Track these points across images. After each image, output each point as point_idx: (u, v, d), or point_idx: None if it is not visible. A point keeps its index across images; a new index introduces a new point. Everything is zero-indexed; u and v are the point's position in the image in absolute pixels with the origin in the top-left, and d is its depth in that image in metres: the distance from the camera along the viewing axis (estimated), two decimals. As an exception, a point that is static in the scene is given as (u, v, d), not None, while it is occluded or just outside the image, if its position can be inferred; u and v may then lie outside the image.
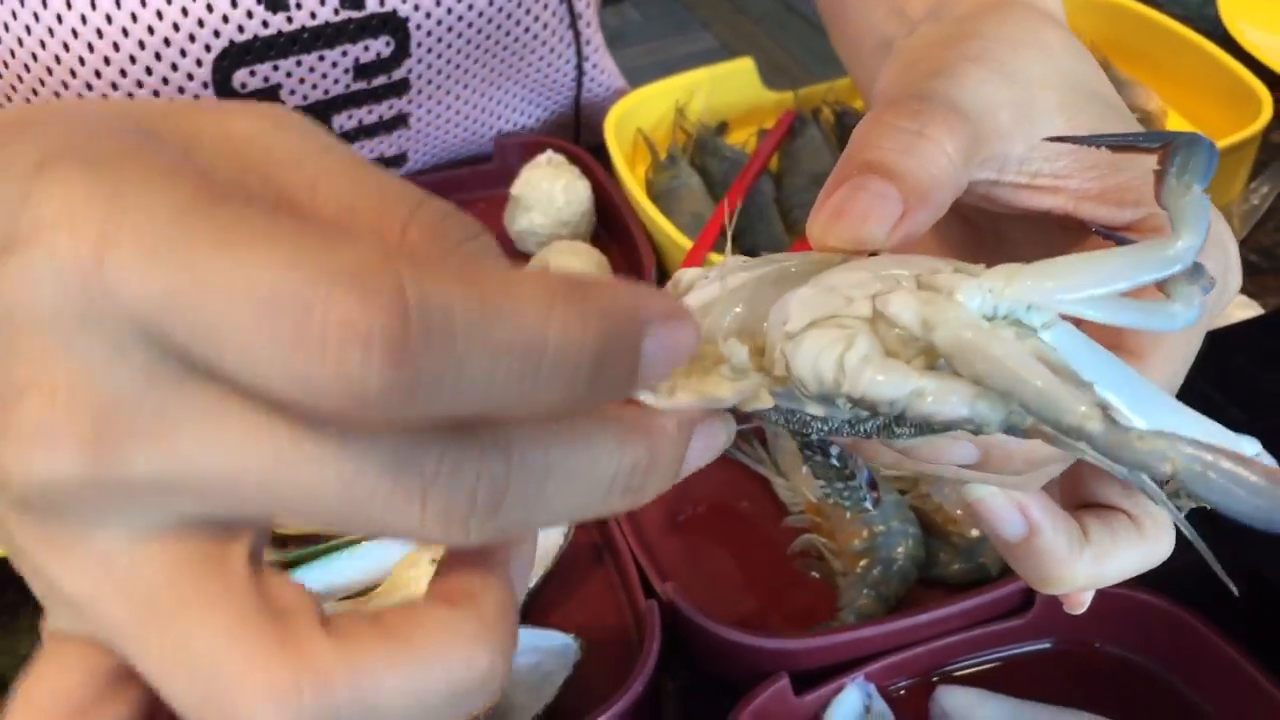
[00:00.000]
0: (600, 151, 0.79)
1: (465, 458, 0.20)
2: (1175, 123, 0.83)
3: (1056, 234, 0.35)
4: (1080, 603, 0.34)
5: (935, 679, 0.54)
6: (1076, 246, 0.35)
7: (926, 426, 0.24)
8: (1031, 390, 0.22)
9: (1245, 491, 0.23)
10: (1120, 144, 0.30)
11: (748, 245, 0.76)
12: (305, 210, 0.21)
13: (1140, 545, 0.33)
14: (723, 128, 0.85)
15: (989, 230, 0.39)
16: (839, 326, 0.23)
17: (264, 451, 0.20)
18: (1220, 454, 0.23)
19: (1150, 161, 0.30)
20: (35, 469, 0.20)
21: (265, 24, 0.64)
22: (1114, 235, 0.33)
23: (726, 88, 0.85)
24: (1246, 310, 0.65)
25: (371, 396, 0.18)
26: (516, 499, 0.21)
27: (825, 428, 0.26)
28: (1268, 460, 0.28)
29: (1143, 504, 0.33)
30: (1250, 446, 0.28)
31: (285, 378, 0.18)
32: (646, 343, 0.20)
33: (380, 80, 0.70)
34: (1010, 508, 0.31)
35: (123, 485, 0.20)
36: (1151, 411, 0.26)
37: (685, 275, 0.31)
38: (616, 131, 0.78)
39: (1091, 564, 0.32)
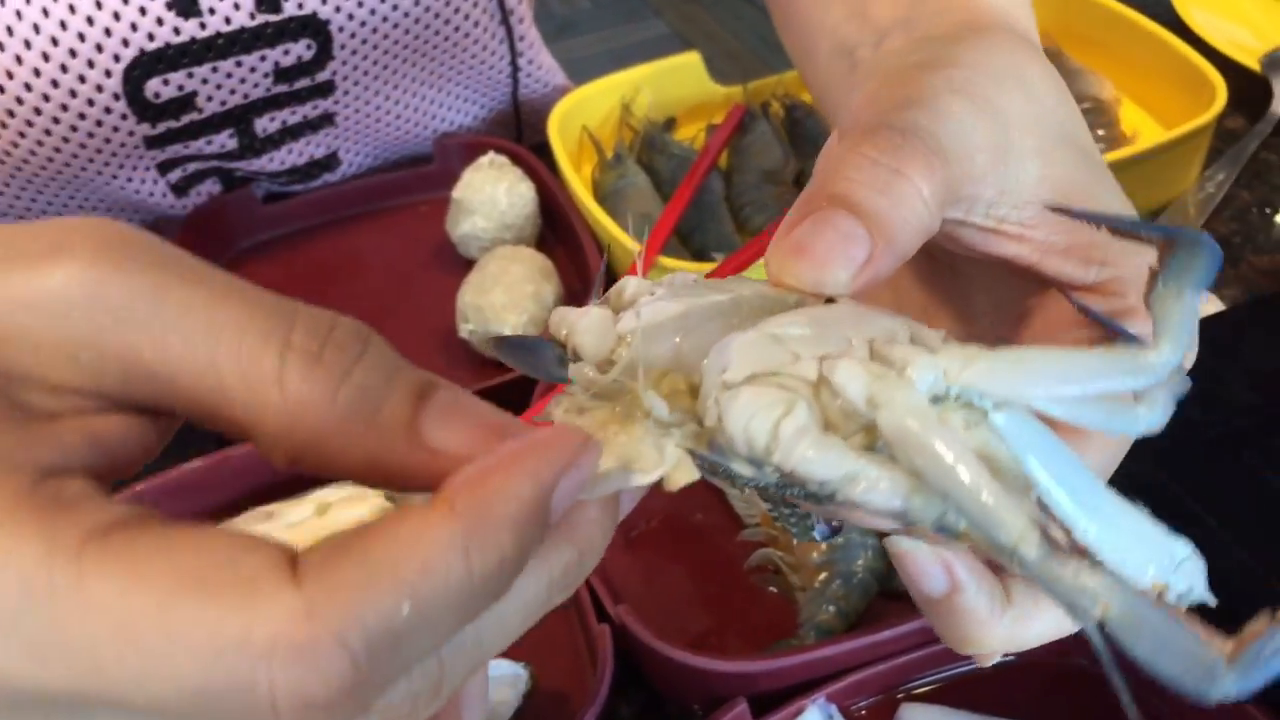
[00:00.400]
0: (544, 151, 0.77)
1: (398, 692, 0.21)
2: (1129, 111, 0.82)
3: (1016, 281, 0.34)
4: (990, 660, 0.33)
5: (899, 695, 0.52)
6: (1034, 297, 0.33)
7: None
8: (970, 499, 0.21)
9: (1174, 655, 0.22)
10: (1121, 228, 0.28)
11: (698, 245, 0.74)
12: (168, 397, 0.21)
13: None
14: (670, 124, 0.83)
15: (945, 264, 0.37)
16: (780, 387, 0.21)
17: None
18: (1157, 610, 0.21)
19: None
20: None
21: (177, 31, 0.61)
22: (1091, 313, 0.31)
23: (673, 82, 0.83)
24: (1206, 306, 0.63)
25: None
26: (454, 674, 0.21)
27: (751, 485, 0.24)
28: (1197, 562, 0.26)
29: None
30: (1182, 549, 0.27)
31: None
32: (555, 499, 0.20)
33: (303, 83, 0.67)
34: (934, 563, 0.29)
35: None
36: (1096, 509, 0.24)
37: (630, 285, 0.29)
38: (561, 130, 0.76)
39: (1011, 626, 0.30)
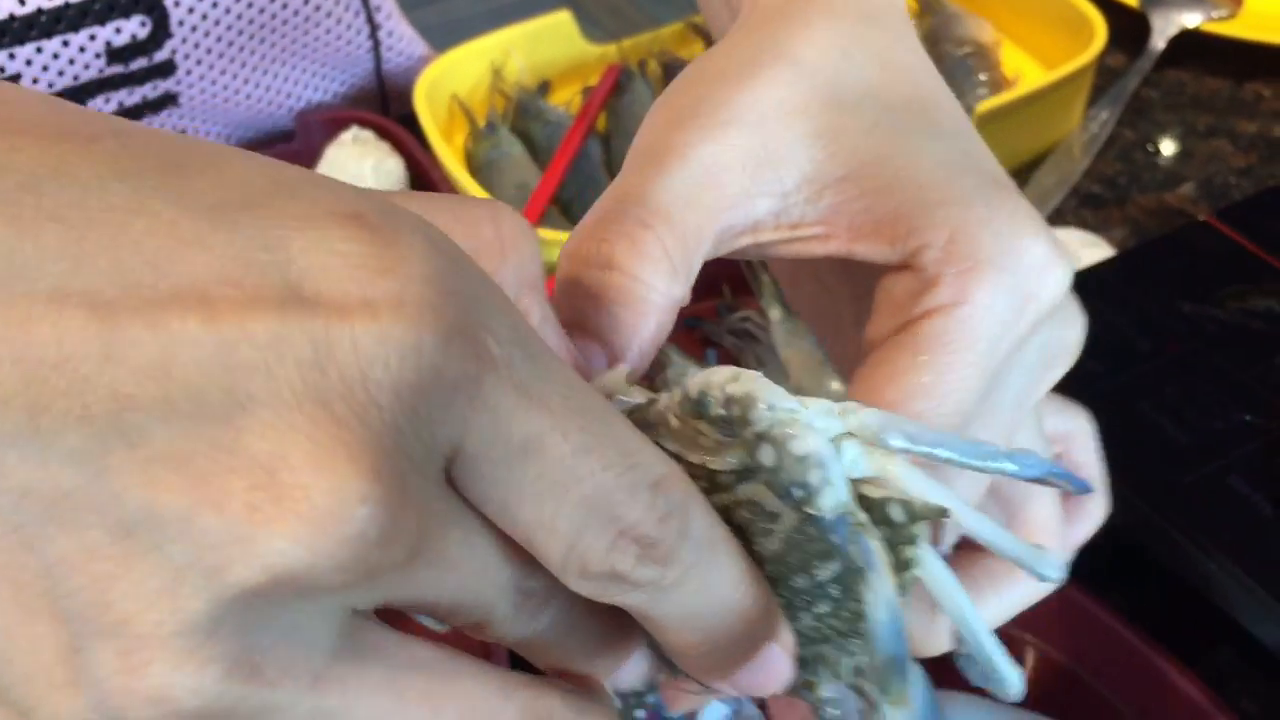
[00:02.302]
0: (412, 123, 0.73)
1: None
2: (1010, 53, 0.81)
3: (853, 272, 0.32)
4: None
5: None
6: (875, 279, 0.31)
7: None
8: None
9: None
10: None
11: (577, 214, 0.71)
12: None
13: (1005, 591, 0.32)
14: (544, 88, 0.80)
15: (809, 276, 0.36)
16: None
17: (495, 588, 0.21)
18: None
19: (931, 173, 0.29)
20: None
21: None
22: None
23: (545, 43, 0.79)
24: (1094, 250, 0.62)
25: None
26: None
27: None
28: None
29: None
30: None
31: (563, 552, 0.21)
32: None
33: (140, 63, 0.63)
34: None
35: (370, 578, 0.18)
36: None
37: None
38: (428, 100, 0.72)
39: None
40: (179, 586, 0.17)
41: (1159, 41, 0.80)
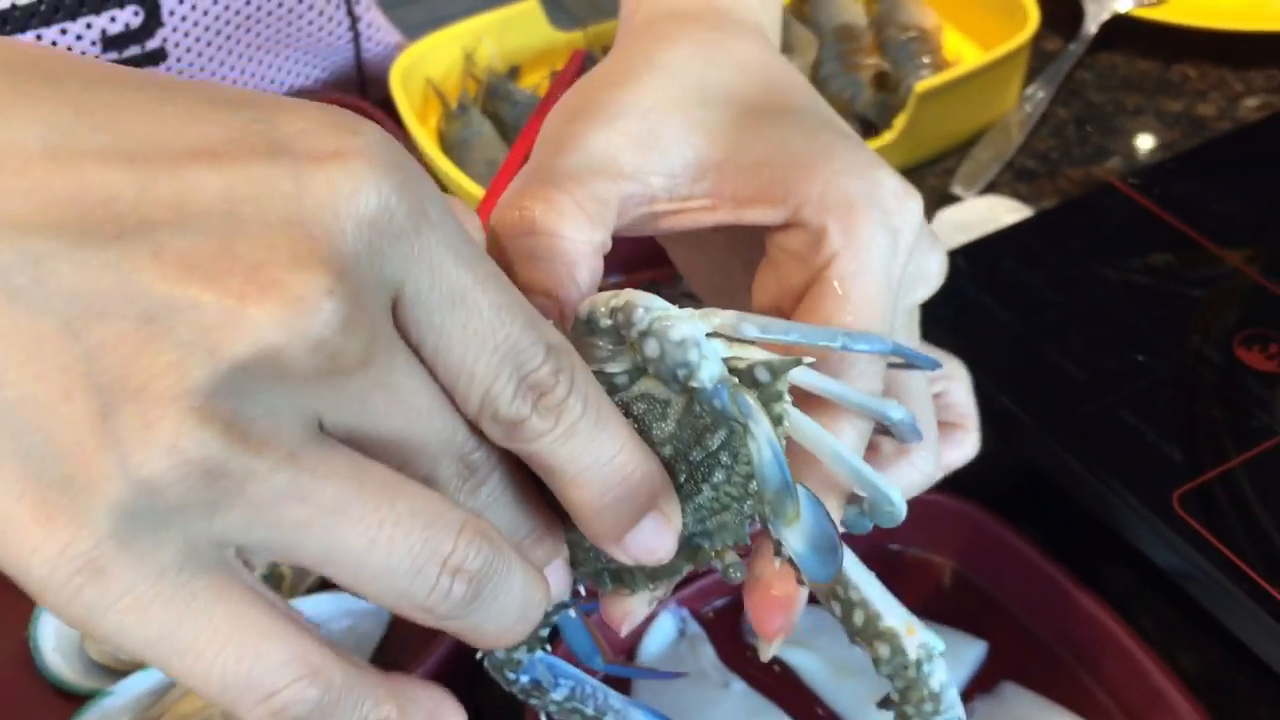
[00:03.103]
0: (389, 106, 0.77)
1: None
2: (952, 38, 0.86)
3: (743, 241, 0.36)
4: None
5: (746, 597, 0.55)
6: (762, 248, 0.36)
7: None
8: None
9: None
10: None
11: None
12: None
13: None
14: (514, 72, 0.84)
15: (713, 255, 0.40)
16: None
17: (439, 440, 0.26)
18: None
19: (796, 143, 0.34)
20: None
21: None
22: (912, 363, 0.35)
23: (514, 31, 0.84)
24: (1017, 214, 0.67)
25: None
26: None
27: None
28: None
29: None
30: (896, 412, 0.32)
31: (480, 395, 0.26)
32: None
33: (133, 50, 0.67)
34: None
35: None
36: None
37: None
38: (404, 83, 0.77)
39: None
40: (186, 360, 0.22)
41: (1092, 26, 0.85)
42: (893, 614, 0.33)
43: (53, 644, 0.54)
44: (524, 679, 0.38)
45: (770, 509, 0.30)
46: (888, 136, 0.75)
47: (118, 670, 0.53)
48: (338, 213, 0.23)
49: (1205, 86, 0.84)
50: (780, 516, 0.30)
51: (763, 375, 0.30)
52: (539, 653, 0.39)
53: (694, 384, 0.29)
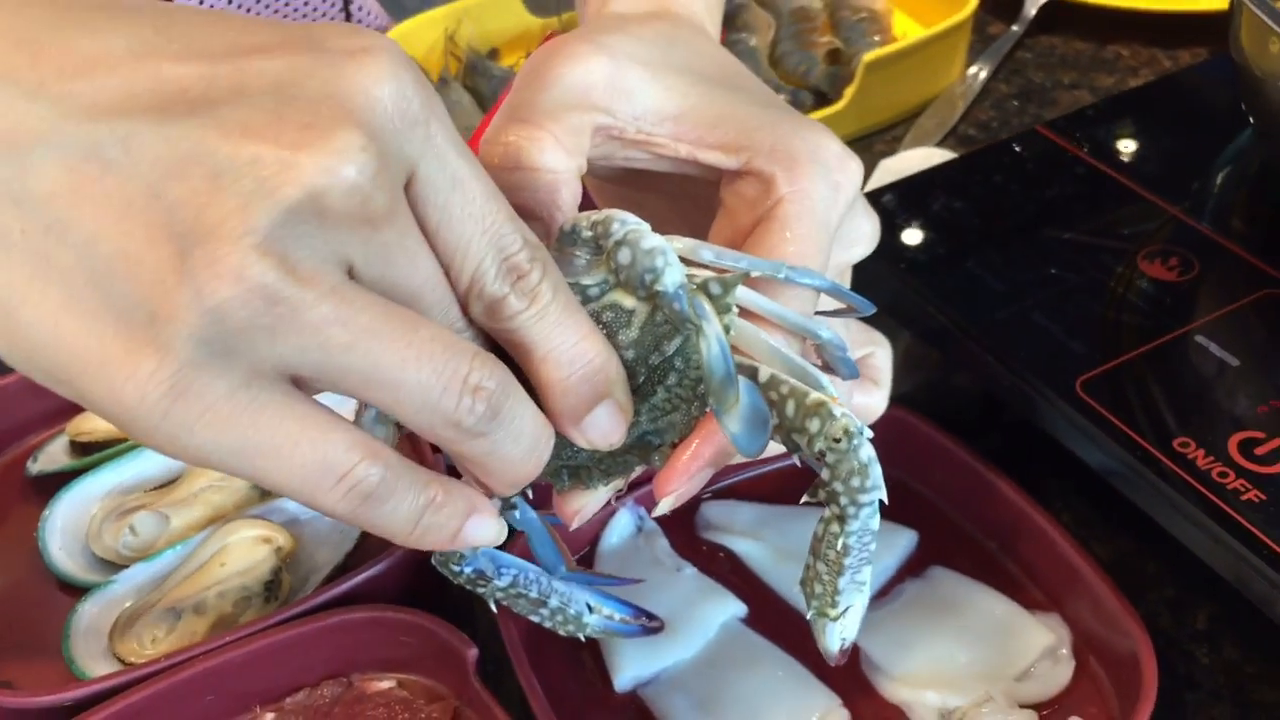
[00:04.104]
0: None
1: None
2: (900, 20, 0.92)
3: (702, 190, 0.41)
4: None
5: (702, 498, 0.60)
6: (716, 196, 0.40)
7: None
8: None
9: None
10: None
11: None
12: None
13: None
14: (493, 53, 0.90)
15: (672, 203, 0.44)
16: None
17: (442, 305, 0.31)
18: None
19: (748, 110, 0.39)
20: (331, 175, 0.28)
21: None
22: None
23: (493, 16, 0.90)
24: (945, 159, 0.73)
25: None
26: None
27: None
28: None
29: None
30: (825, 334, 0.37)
31: (470, 272, 0.31)
32: None
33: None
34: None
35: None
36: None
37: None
38: (388, 59, 0.82)
39: None
40: (248, 205, 0.27)
41: (1030, 9, 0.92)
42: (820, 392, 0.35)
43: (59, 543, 0.59)
44: (468, 570, 0.42)
45: (714, 398, 0.35)
46: (839, 105, 0.81)
47: (119, 565, 0.58)
48: (368, 93, 0.29)
49: (1137, 63, 0.90)
50: (722, 403, 0.34)
51: (715, 289, 0.35)
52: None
53: (658, 287, 0.34)
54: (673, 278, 0.35)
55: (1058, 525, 0.54)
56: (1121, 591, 0.52)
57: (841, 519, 0.35)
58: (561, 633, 0.45)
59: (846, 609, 0.37)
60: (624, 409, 0.35)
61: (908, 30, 0.91)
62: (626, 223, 0.35)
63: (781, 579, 0.56)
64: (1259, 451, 0.49)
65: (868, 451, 0.35)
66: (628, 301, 0.36)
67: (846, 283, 0.45)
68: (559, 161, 0.38)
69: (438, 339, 0.30)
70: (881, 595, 0.56)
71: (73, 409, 0.64)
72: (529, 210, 0.37)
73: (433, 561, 0.41)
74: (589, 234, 0.36)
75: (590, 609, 0.44)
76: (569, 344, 0.33)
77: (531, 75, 0.39)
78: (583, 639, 0.46)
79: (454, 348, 0.30)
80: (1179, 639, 0.54)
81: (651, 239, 0.35)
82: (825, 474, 0.35)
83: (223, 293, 0.27)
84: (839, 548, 0.35)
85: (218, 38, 0.29)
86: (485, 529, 0.33)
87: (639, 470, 0.38)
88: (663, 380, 0.36)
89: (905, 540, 0.57)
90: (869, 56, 0.80)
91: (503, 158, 0.37)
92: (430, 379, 0.30)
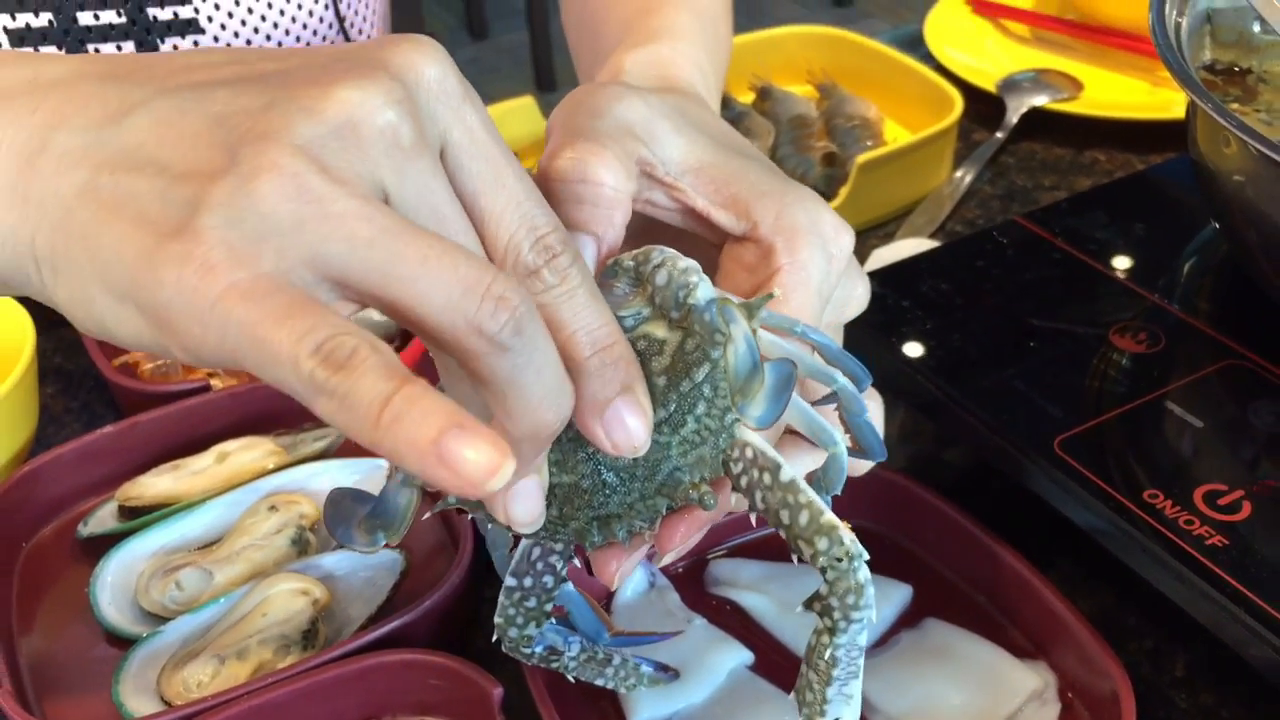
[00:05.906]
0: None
1: None
2: (891, 127, 0.99)
3: (705, 246, 0.44)
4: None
5: (708, 556, 0.64)
6: (719, 253, 0.43)
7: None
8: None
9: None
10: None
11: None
12: None
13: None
14: (512, 157, 0.97)
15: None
16: None
17: (470, 244, 0.34)
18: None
19: (756, 176, 0.42)
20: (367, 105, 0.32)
21: None
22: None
23: (510, 123, 0.97)
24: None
25: None
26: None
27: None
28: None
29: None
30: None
31: (506, 239, 0.34)
32: None
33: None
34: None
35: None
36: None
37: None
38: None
39: None
40: (292, 118, 0.31)
41: (1013, 117, 0.98)
42: (831, 514, 0.38)
43: (109, 598, 0.63)
44: (539, 649, 0.45)
45: (740, 395, 0.37)
46: (834, 204, 0.87)
47: (165, 618, 0.62)
48: (415, 65, 0.33)
49: (1113, 167, 0.96)
50: (749, 395, 0.37)
51: (741, 302, 0.38)
52: (546, 624, 0.46)
53: (691, 300, 0.37)
54: (705, 292, 0.38)
55: (1044, 579, 0.58)
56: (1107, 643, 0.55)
57: (832, 631, 0.38)
58: (622, 689, 0.49)
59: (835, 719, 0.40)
60: (644, 408, 0.36)
61: (898, 136, 0.98)
62: (665, 251, 0.39)
63: (785, 629, 0.60)
64: (1221, 502, 0.54)
65: (865, 574, 0.37)
66: (660, 332, 0.38)
67: (839, 340, 0.49)
68: (620, 180, 0.40)
69: (461, 250, 0.31)
70: (879, 645, 0.59)
71: (121, 476, 0.68)
72: (583, 225, 0.39)
73: (504, 649, 0.45)
74: (630, 262, 0.39)
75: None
76: (596, 324, 0.35)
77: (577, 109, 0.42)
78: (642, 689, 0.51)
79: (476, 260, 0.31)
80: (1158, 684, 0.58)
81: (687, 260, 0.38)
82: (823, 588, 0.38)
83: (259, 177, 0.30)
84: (827, 658, 0.38)
85: (293, 58, 0.34)
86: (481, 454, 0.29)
87: (664, 511, 0.40)
88: (692, 409, 0.38)
89: (901, 594, 0.61)
90: (862, 158, 0.86)
91: (567, 170, 0.39)
92: (452, 280, 0.31)
